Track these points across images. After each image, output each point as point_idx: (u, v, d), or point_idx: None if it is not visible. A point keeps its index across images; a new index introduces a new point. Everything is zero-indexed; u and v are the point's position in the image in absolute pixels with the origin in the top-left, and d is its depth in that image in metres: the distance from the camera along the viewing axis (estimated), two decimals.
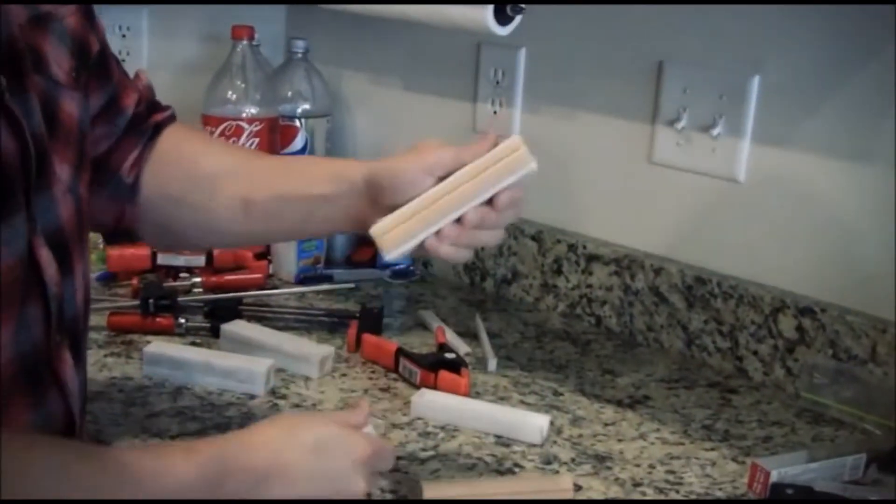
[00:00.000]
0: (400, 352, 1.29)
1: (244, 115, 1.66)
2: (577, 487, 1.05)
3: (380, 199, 0.99)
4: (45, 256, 0.87)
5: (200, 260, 1.52)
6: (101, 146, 1.05)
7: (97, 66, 1.02)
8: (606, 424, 1.20)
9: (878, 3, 1.20)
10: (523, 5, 1.33)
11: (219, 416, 1.15)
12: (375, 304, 1.49)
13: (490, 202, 0.96)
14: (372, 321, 1.39)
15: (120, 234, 1.10)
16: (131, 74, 1.14)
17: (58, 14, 0.94)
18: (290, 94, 1.76)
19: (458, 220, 0.96)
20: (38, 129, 0.88)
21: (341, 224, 1.06)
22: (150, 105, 1.11)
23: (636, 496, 1.05)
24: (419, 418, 1.17)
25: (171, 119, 1.13)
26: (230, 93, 1.68)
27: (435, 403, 1.19)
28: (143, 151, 1.08)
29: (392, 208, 0.97)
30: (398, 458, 1.08)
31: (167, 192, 1.08)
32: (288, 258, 1.59)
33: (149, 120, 1.10)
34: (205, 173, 1.09)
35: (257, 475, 0.86)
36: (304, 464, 0.89)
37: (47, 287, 0.87)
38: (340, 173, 1.04)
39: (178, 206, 1.08)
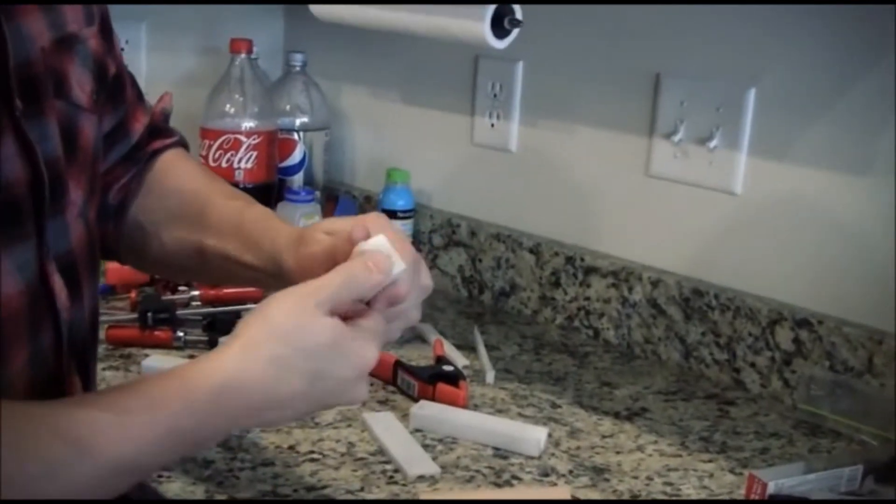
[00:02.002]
0: (398, 364, 1.29)
1: (242, 128, 1.67)
2: (576, 499, 1.06)
3: None
4: (58, 283, 0.86)
5: None
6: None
7: (112, 88, 1.01)
8: (604, 436, 1.21)
9: (877, 2, 1.20)
10: (520, 18, 1.34)
11: None
12: None
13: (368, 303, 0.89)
14: None
15: (105, 252, 1.08)
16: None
17: (82, 35, 0.93)
18: (288, 107, 1.76)
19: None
20: (55, 155, 0.86)
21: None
22: (155, 130, 1.10)
23: None
24: (418, 430, 1.18)
25: (173, 146, 1.11)
26: (228, 106, 1.68)
27: (433, 416, 1.19)
28: (133, 178, 1.08)
29: None
30: (395, 470, 1.08)
31: (140, 221, 1.08)
32: None
33: (147, 147, 1.09)
34: (176, 213, 1.07)
35: (243, 417, 0.81)
36: (298, 394, 0.81)
37: (59, 314, 0.86)
38: (272, 253, 0.99)
39: (148, 238, 1.08)
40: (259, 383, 0.80)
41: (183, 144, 1.14)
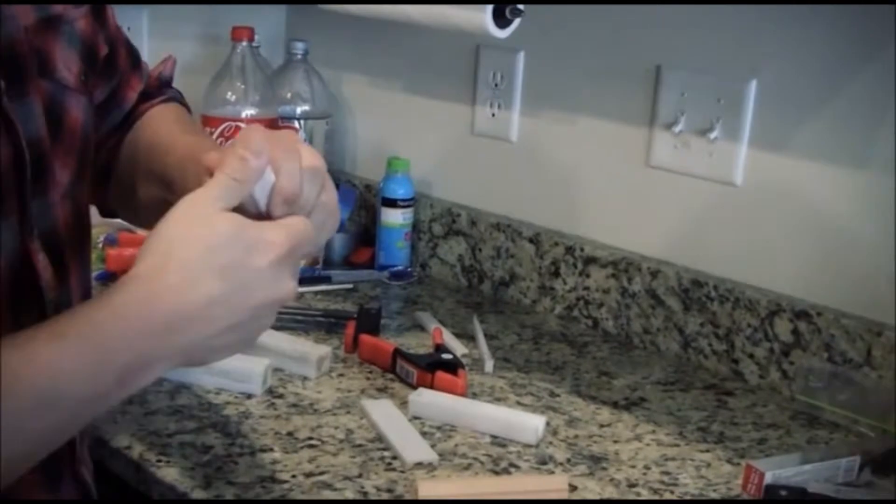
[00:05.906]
0: (397, 352, 1.29)
1: (243, 116, 1.67)
2: (573, 488, 1.06)
3: None
4: (42, 261, 0.86)
5: None
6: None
7: (105, 59, 1.01)
8: (602, 426, 1.21)
9: (876, 2, 1.20)
10: (522, 7, 1.34)
11: (216, 415, 1.16)
12: (373, 304, 1.49)
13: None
14: (369, 322, 1.40)
15: (106, 212, 1.11)
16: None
17: (68, 16, 0.93)
18: (289, 95, 1.76)
19: None
20: (38, 134, 0.86)
21: None
22: (144, 94, 1.09)
23: (631, 497, 1.06)
24: (416, 418, 1.18)
25: (159, 104, 1.10)
26: (230, 94, 1.68)
27: (432, 403, 1.19)
28: (119, 139, 1.08)
29: None
30: (393, 457, 1.08)
31: (121, 180, 1.08)
32: None
33: (135, 112, 1.09)
34: (145, 170, 1.05)
35: (161, 332, 0.74)
36: (215, 296, 0.75)
37: (44, 292, 0.86)
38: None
39: (129, 196, 1.07)
40: (168, 289, 0.75)
41: (174, 100, 1.12)
